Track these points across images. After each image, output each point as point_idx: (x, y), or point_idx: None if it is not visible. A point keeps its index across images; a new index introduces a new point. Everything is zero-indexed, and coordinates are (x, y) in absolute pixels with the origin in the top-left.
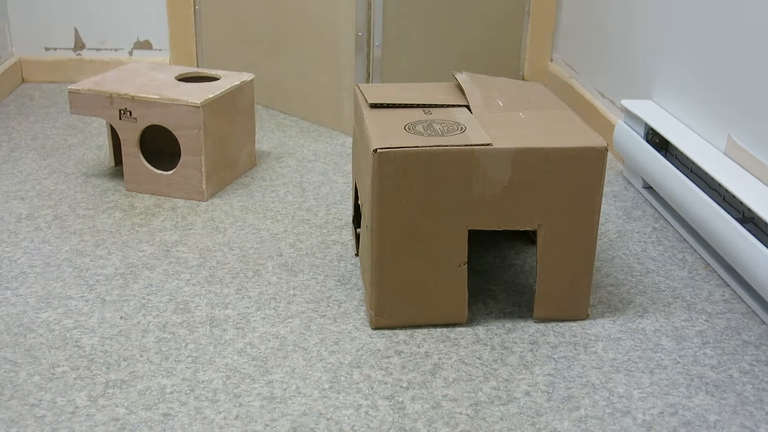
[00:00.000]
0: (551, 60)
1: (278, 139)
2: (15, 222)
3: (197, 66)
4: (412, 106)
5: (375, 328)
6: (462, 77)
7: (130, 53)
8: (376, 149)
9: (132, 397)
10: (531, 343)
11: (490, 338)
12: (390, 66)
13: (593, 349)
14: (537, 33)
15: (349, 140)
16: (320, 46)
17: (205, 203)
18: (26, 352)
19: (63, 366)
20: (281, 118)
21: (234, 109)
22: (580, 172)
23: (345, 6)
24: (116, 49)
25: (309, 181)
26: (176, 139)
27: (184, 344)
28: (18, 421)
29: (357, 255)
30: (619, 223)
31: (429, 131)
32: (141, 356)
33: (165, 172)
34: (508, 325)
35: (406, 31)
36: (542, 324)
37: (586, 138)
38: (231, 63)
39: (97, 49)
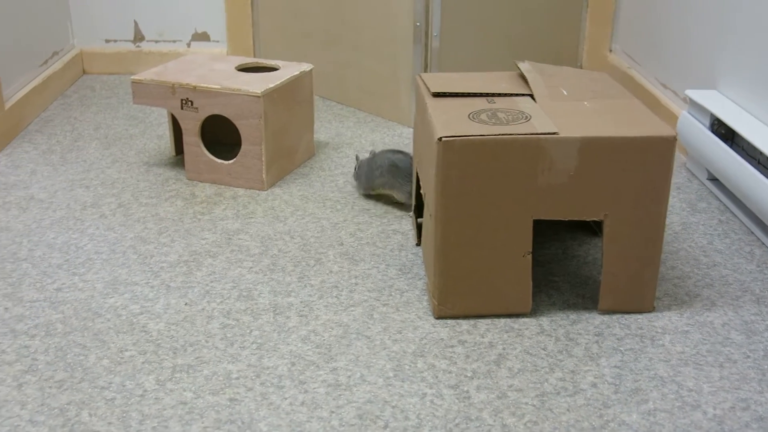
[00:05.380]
0: (610, 50)
1: (336, 130)
2: (80, 209)
3: (254, 57)
4: (474, 94)
5: (438, 318)
6: (525, 66)
7: (188, 45)
8: (441, 138)
9: (199, 382)
10: (596, 335)
11: (554, 329)
12: (447, 56)
13: (660, 341)
14: (596, 23)
15: (406, 131)
16: (377, 37)
17: (265, 192)
18: (95, 336)
19: (131, 350)
20: (338, 108)
21: (293, 99)
22: (648, 162)
23: None
24: (174, 41)
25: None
26: (236, 129)
27: (248, 331)
28: (89, 403)
29: (417, 245)
30: (684, 215)
31: (493, 120)
32: (206, 342)
33: (225, 162)
34: (573, 316)
35: (464, 21)
36: (607, 315)
37: (655, 127)
38: (287, 54)
39: (156, 41)
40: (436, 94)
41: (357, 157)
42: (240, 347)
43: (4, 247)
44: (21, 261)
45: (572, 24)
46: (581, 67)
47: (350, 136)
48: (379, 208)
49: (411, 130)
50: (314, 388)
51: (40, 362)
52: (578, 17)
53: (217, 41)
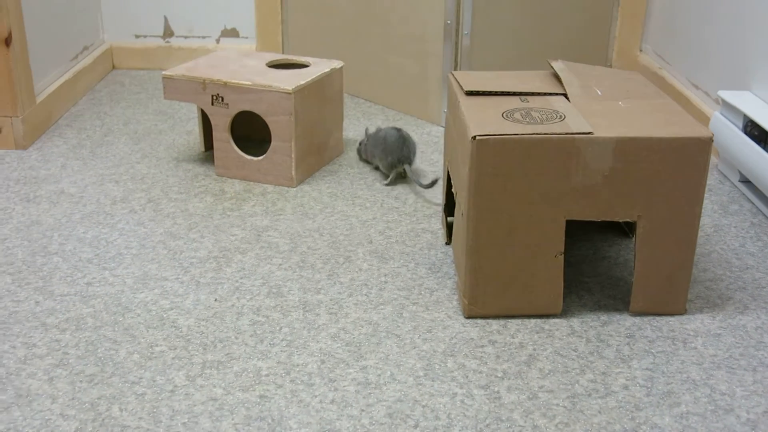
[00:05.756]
0: (640, 50)
1: (364, 127)
2: (110, 204)
3: (283, 54)
4: (508, 93)
5: (468, 317)
6: (558, 65)
7: (217, 41)
8: (475, 136)
9: (229, 378)
10: (627, 337)
11: (585, 330)
12: (478, 55)
13: (692, 344)
14: (626, 22)
15: (435, 129)
16: (407, 35)
17: (294, 189)
18: (125, 331)
19: (161, 345)
20: (366, 106)
21: (323, 96)
22: (683, 163)
23: None
24: (204, 37)
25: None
26: (264, 125)
27: (278, 328)
28: (119, 397)
29: (447, 243)
30: (716, 217)
31: (527, 119)
32: (236, 338)
33: (255, 158)
34: (603, 317)
35: (494, 20)
36: (638, 317)
37: (690, 128)
38: (316, 51)
39: (186, 37)
40: (470, 93)
41: (366, 130)
42: (270, 344)
43: (35, 240)
44: (52, 255)
45: (602, 23)
46: (611, 67)
47: None
48: (409, 207)
49: (439, 128)
50: (344, 386)
51: (71, 356)
52: (609, 16)
53: (246, 37)
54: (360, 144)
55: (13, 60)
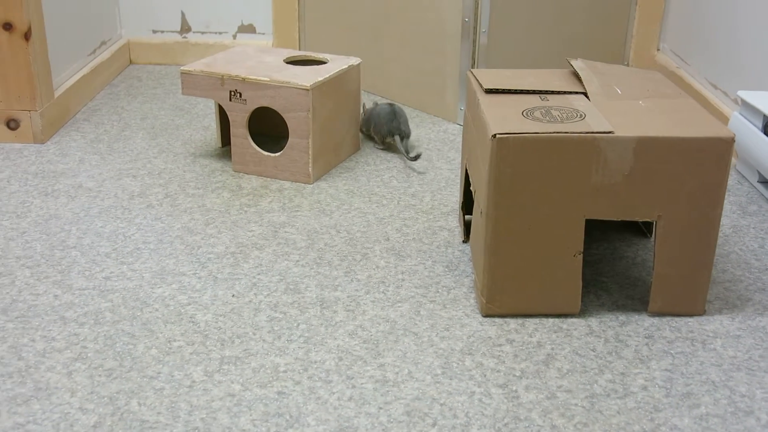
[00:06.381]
0: (658, 49)
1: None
2: (128, 199)
3: (299, 50)
4: (528, 92)
5: (485, 316)
6: (578, 64)
7: (234, 36)
8: (495, 135)
9: (246, 374)
10: (646, 337)
11: (603, 330)
12: (495, 53)
13: (711, 345)
14: (644, 21)
15: (452, 126)
16: (424, 32)
17: (311, 186)
18: (143, 326)
19: (179, 341)
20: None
21: (341, 93)
22: (705, 163)
23: None
24: (220, 33)
25: (412, 166)
26: (281, 121)
27: (295, 324)
28: (138, 392)
29: (464, 242)
30: (734, 217)
31: (548, 117)
32: (254, 334)
33: (272, 154)
34: (622, 317)
35: (512, 18)
36: (657, 318)
37: (712, 128)
38: (333, 48)
39: (202, 32)
40: (489, 91)
41: (363, 105)
42: (287, 340)
43: (54, 234)
44: (70, 249)
45: (620, 22)
46: (628, 66)
47: None
48: (425, 204)
49: (456, 125)
50: (362, 384)
51: (90, 350)
52: (626, 15)
53: (263, 33)
54: (361, 119)
55: (32, 54)
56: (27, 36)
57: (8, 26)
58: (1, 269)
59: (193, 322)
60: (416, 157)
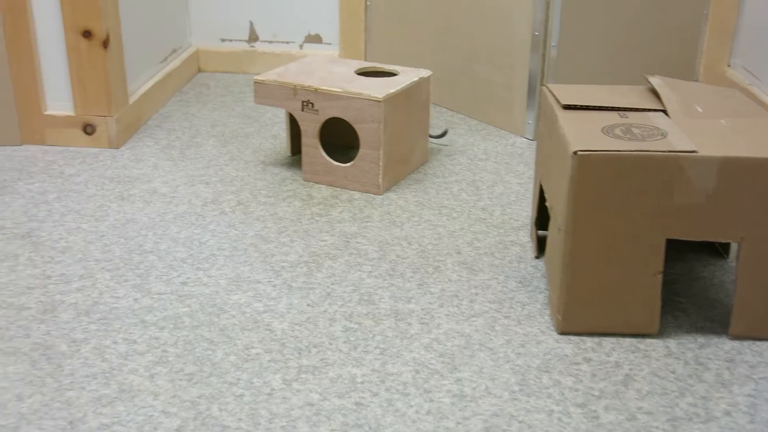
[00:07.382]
0: (728, 65)
1: (447, 137)
2: (201, 205)
3: (365, 61)
4: (606, 108)
5: (561, 333)
6: (656, 81)
7: (301, 46)
8: (576, 152)
9: (324, 384)
10: (727, 361)
11: (682, 352)
12: (565, 67)
13: None
14: (715, 37)
15: (519, 140)
16: (493, 45)
17: (381, 197)
18: (221, 332)
19: (257, 348)
20: (449, 115)
21: (411, 105)
22: None
23: (522, 5)
24: (287, 42)
25: (482, 180)
26: (351, 131)
27: (371, 335)
28: (218, 398)
29: (537, 257)
30: None
31: (628, 135)
32: (330, 344)
33: (343, 164)
34: (701, 339)
35: (583, 32)
36: (738, 341)
37: None
38: (399, 59)
39: (270, 42)
40: (567, 107)
41: None
42: (363, 351)
43: (131, 238)
44: (147, 253)
45: (690, 37)
46: (698, 82)
47: (462, 143)
48: (496, 218)
49: (523, 139)
50: (439, 398)
51: (170, 354)
52: (697, 30)
53: (329, 44)
54: None
55: (109, 62)
56: (105, 44)
57: (87, 34)
58: (82, 271)
59: (269, 329)
60: (442, 135)
